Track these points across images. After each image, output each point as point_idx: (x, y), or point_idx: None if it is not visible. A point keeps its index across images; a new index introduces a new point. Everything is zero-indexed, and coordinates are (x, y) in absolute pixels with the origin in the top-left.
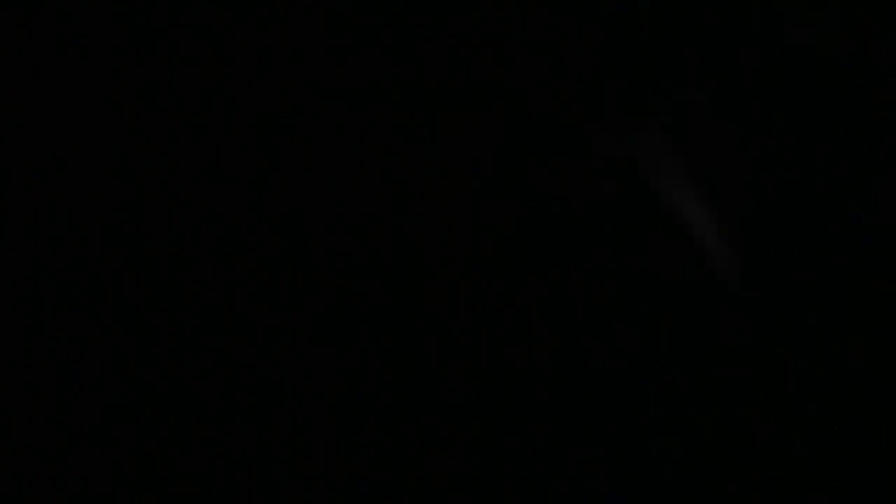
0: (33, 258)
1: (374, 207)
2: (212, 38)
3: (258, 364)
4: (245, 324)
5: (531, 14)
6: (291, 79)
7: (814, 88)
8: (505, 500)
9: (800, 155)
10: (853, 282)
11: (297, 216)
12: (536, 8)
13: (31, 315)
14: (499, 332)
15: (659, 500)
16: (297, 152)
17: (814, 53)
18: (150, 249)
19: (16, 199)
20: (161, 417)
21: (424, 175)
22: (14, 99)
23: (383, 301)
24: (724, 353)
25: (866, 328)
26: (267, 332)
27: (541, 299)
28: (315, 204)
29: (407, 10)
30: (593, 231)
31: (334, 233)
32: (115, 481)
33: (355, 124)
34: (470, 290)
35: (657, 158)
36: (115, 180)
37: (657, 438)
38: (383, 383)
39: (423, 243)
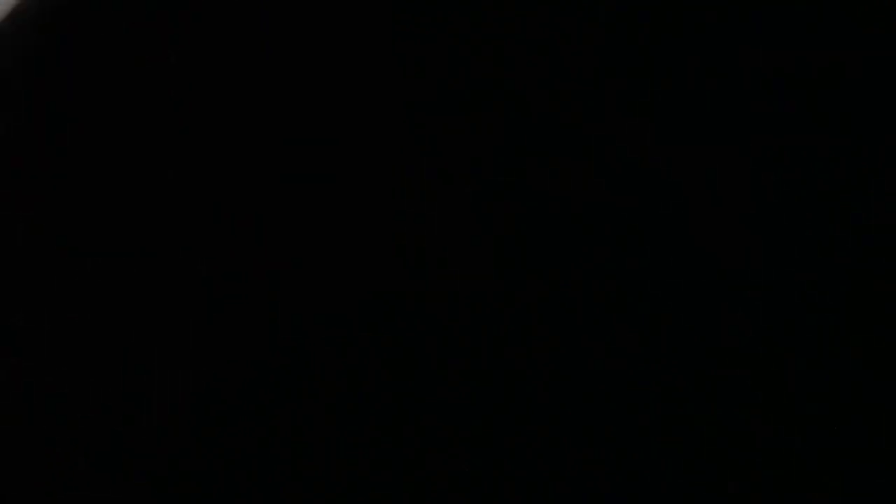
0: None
1: (373, 207)
2: (210, 37)
3: (258, 364)
4: (244, 322)
5: (531, 14)
6: (292, 78)
7: (814, 88)
8: (505, 501)
9: (800, 155)
10: (853, 282)
11: (297, 216)
12: (536, 8)
13: (32, 314)
14: (499, 332)
15: (659, 500)
16: (296, 152)
17: (813, 55)
18: (150, 248)
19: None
20: (161, 417)
21: (424, 175)
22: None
23: (382, 301)
24: (724, 353)
25: (866, 328)
26: (266, 331)
27: (541, 299)
28: (314, 203)
29: (407, 10)
30: (593, 231)
31: (333, 232)
32: (115, 481)
33: (354, 124)
34: (470, 291)
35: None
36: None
37: (657, 438)
38: (383, 383)
39: (422, 243)
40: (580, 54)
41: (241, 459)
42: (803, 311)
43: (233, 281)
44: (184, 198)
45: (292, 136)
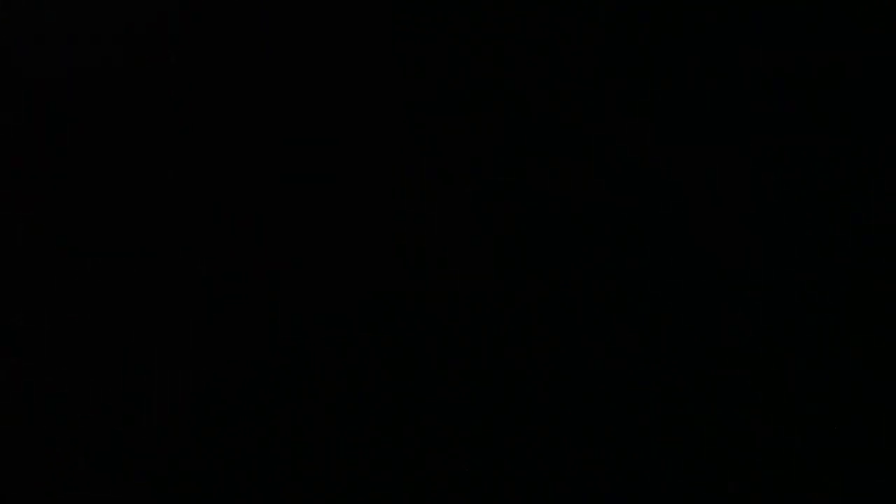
0: (34, 258)
1: (373, 207)
2: (210, 38)
3: (258, 364)
4: (244, 322)
5: (531, 14)
6: (294, 79)
7: (814, 89)
8: (505, 501)
9: (800, 155)
10: (853, 282)
11: (297, 216)
12: (536, 8)
13: (31, 315)
14: (499, 332)
15: (659, 500)
16: (296, 152)
17: (813, 55)
18: (152, 248)
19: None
20: (161, 417)
21: (424, 175)
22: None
23: (382, 301)
24: (724, 353)
25: (866, 328)
26: (266, 331)
27: (541, 299)
28: (314, 203)
29: (407, 11)
30: (593, 231)
31: (333, 232)
32: (115, 481)
33: (356, 124)
34: (470, 291)
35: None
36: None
37: (657, 438)
38: (383, 383)
39: (422, 243)
40: (580, 54)
41: (241, 459)
42: (803, 311)
43: (233, 281)
44: (184, 198)
45: (292, 136)
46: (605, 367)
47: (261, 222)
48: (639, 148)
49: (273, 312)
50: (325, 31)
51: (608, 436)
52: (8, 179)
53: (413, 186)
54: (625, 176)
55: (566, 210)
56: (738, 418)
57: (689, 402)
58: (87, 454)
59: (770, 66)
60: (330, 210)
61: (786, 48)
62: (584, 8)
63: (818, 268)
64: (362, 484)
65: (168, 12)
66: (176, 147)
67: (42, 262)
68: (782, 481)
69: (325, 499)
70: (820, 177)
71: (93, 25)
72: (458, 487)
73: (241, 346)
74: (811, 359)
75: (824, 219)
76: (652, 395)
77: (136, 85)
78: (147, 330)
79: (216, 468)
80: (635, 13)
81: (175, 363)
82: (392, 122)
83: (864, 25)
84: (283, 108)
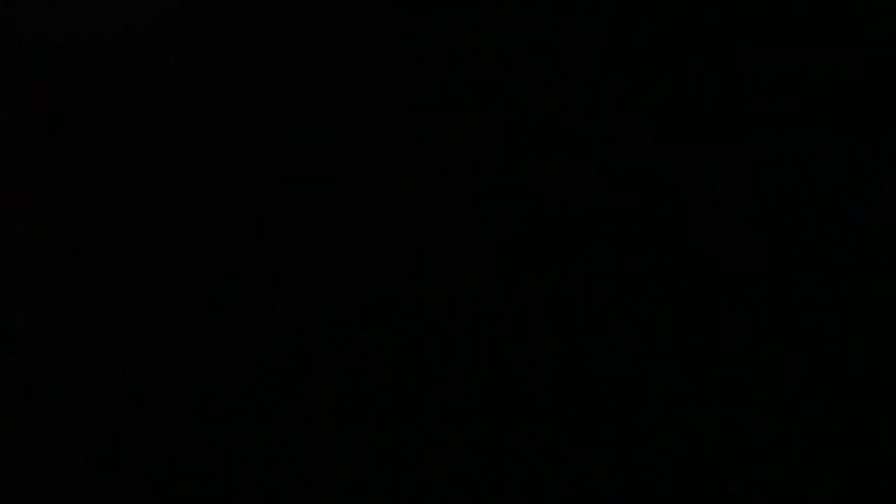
0: (34, 258)
1: (373, 207)
2: (210, 38)
3: (258, 364)
4: (244, 322)
5: (531, 14)
6: (294, 79)
7: (814, 89)
8: (505, 500)
9: (800, 155)
10: (853, 282)
11: (297, 216)
12: (536, 8)
13: (31, 315)
14: (499, 332)
15: (659, 500)
16: (296, 152)
17: (813, 55)
18: (153, 248)
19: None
20: (161, 417)
21: (424, 175)
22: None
23: (382, 301)
24: (724, 353)
25: (866, 328)
26: (266, 331)
27: (541, 299)
28: (314, 203)
29: (407, 11)
30: (593, 231)
31: (333, 232)
32: (115, 481)
33: (354, 124)
34: (470, 291)
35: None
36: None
37: (657, 438)
38: (383, 383)
39: (422, 243)
40: (580, 54)
41: (241, 459)
42: (803, 311)
43: (233, 281)
44: (184, 198)
45: (292, 136)
46: (605, 367)
47: (261, 222)
48: (639, 148)
49: (273, 312)
50: (325, 31)
51: (608, 436)
52: (8, 179)
53: (413, 186)
54: (625, 176)
55: (566, 210)
56: (738, 418)
57: (689, 402)
58: (87, 454)
59: (770, 66)
60: (330, 210)
61: (786, 48)
62: (584, 8)
63: (818, 268)
64: (362, 484)
65: (168, 12)
66: (176, 147)
67: (42, 262)
68: (782, 481)
69: (325, 499)
70: (820, 177)
71: (93, 25)
72: (459, 487)
73: (241, 346)
74: (811, 359)
75: (824, 219)
76: (652, 395)
77: (136, 85)
78: (147, 330)
79: (216, 468)
80: (635, 13)
81: (175, 363)
82: (392, 122)
83: (864, 25)
84: (284, 108)
